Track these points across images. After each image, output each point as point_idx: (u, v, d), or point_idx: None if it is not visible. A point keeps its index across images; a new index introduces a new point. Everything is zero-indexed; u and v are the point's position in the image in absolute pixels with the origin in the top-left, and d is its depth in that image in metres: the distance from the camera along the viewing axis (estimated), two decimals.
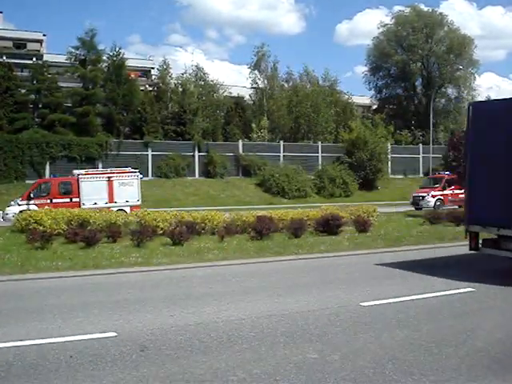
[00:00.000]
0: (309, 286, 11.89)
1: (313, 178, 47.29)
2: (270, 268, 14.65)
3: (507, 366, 6.61)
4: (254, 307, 9.64)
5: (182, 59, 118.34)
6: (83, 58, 48.94)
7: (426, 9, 67.83)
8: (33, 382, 6.16)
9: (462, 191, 31.71)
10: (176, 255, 15.66)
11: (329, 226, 20.38)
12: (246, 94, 59.97)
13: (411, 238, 19.62)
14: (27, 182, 38.48)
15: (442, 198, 35.64)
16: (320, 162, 50.57)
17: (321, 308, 9.55)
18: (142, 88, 53.46)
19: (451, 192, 35.35)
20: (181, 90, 52.59)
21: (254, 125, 52.84)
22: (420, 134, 60.37)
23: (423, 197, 35.97)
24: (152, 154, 45.69)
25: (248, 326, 8.35)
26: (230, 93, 58.44)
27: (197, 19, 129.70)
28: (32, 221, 18.88)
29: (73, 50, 49.21)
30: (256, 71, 58.04)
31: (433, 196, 35.57)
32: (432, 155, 46.76)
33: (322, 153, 51.59)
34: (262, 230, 18.94)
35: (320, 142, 52.55)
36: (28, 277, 12.96)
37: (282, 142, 51.34)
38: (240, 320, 8.74)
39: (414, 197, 36.87)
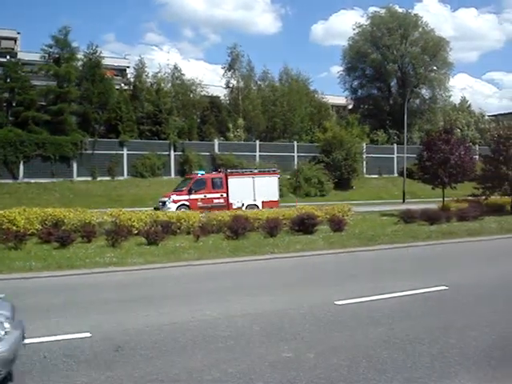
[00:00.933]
0: (284, 285, 11.94)
1: (288, 177, 47.37)
2: (246, 267, 14.68)
3: (479, 362, 6.71)
4: (229, 306, 9.65)
5: (158, 58, 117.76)
6: (57, 56, 48.38)
7: (400, 10, 68.38)
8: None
9: (218, 195, 32.27)
10: (151, 255, 15.60)
11: (304, 226, 20.47)
12: (222, 93, 59.85)
13: (385, 237, 19.78)
14: (0, 181, 38.02)
15: (187, 203, 31.19)
16: (296, 162, 50.67)
17: (296, 307, 9.59)
18: (117, 87, 53.03)
19: (202, 196, 31.91)
20: (156, 89, 52.30)
21: (230, 124, 52.76)
22: (395, 133, 60.84)
23: (164, 202, 31.65)
24: (127, 154, 45.37)
25: (223, 326, 8.36)
26: (207, 92, 58.27)
27: (173, 18, 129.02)
28: (5, 220, 18.64)
29: (47, 48, 48.66)
30: (230, 71, 57.96)
31: (174, 201, 31.24)
32: (406, 155, 47.16)
33: (297, 152, 51.69)
34: (237, 229, 18.96)
35: (296, 142, 52.67)
36: (1, 277, 12.79)
37: (257, 142, 51.36)
38: (215, 319, 8.74)
39: (159, 201, 32.55)
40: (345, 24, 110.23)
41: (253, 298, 10.37)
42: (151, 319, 8.79)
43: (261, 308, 9.51)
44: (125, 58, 67.64)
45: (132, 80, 55.90)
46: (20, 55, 57.91)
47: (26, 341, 7.23)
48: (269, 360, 6.77)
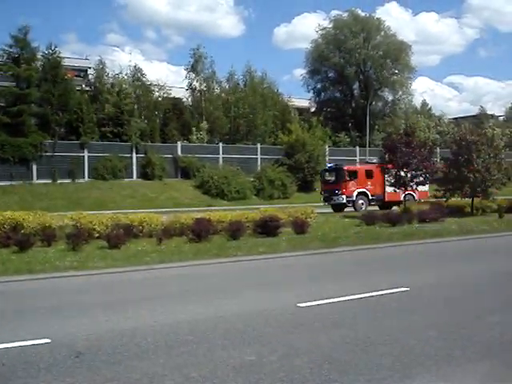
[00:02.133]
0: (246, 287, 11.94)
1: (252, 179, 47.48)
2: (209, 270, 14.65)
3: (439, 362, 6.79)
4: (191, 310, 9.59)
5: (120, 59, 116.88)
6: (17, 56, 47.58)
7: (363, 14, 69.17)
8: None
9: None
10: (112, 259, 15.44)
11: (267, 228, 20.50)
12: (184, 95, 59.64)
13: (348, 239, 19.96)
14: None
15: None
16: (259, 164, 50.79)
17: (258, 310, 9.59)
18: (78, 88, 52.38)
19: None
20: (117, 90, 51.80)
21: (193, 127, 52.57)
22: (357, 136, 61.50)
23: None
24: (88, 156, 44.86)
25: (185, 330, 8.30)
26: (169, 94, 57.96)
27: (134, 19, 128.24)
28: None
29: (6, 48, 47.80)
30: (193, 73, 57.78)
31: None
32: (368, 157, 47.68)
33: (261, 155, 51.82)
34: (200, 232, 18.90)
35: (259, 144, 52.79)
36: None
37: (220, 144, 51.33)
38: (177, 323, 8.68)
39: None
40: (307, 27, 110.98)
41: (215, 302, 10.33)
42: (112, 324, 8.68)
43: (223, 311, 9.47)
44: (86, 59, 66.88)
45: (93, 81, 55.30)
46: None
47: None
48: (231, 363, 6.73)
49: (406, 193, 32.44)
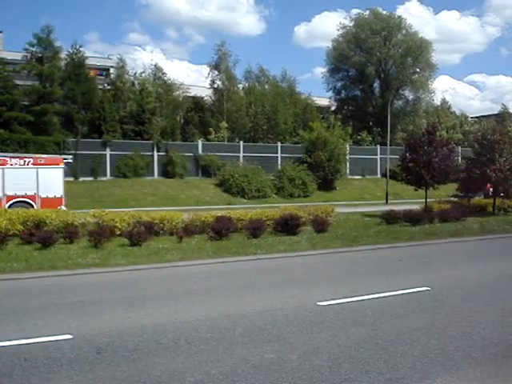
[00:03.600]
0: (267, 286, 11.95)
1: (272, 178, 47.42)
2: (229, 268, 14.67)
3: (460, 363, 6.76)
4: (211, 308, 9.63)
5: (142, 58, 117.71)
6: (40, 55, 48.06)
7: (384, 12, 68.72)
8: None
9: None
10: (134, 256, 15.52)
11: (288, 226, 20.48)
12: (205, 93, 59.77)
13: (369, 238, 19.87)
14: None
15: None
16: (279, 163, 50.73)
17: (278, 308, 9.61)
18: (100, 87, 52.76)
19: None
20: (139, 89, 52.08)
21: (212, 128, 52.65)
22: (378, 134, 61.16)
23: None
24: (110, 154, 45.14)
25: (206, 327, 8.34)
26: (190, 93, 58.16)
27: (156, 18, 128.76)
28: None
29: (29, 47, 48.30)
30: (215, 71, 57.91)
31: None
32: (389, 156, 47.40)
33: (281, 153, 51.72)
34: (220, 230, 18.94)
35: (279, 143, 52.73)
36: None
37: (241, 143, 51.34)
38: (198, 321, 8.72)
39: None
40: (328, 25, 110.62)
41: (235, 300, 10.37)
42: (133, 321, 8.75)
43: (244, 309, 9.50)
44: (108, 58, 67.28)
45: (114, 80, 55.64)
46: (2, 54, 57.47)
47: (6, 343, 7.20)
48: (251, 361, 6.76)
49: (15, 200, 26.09)
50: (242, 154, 49.88)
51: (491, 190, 30.11)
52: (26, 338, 7.67)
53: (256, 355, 7.00)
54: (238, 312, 9.27)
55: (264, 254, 16.43)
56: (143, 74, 54.76)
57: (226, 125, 53.20)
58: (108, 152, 45.11)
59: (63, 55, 49.21)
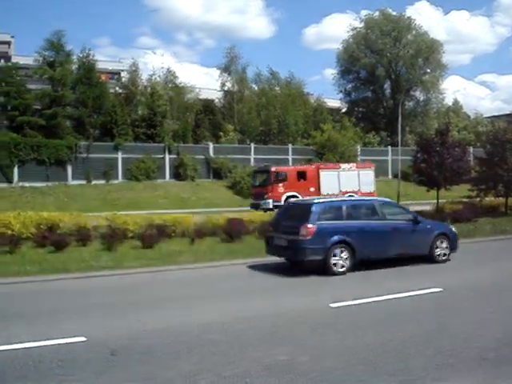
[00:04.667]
0: (279, 287, 11.96)
1: None
2: (240, 270, 14.69)
3: (471, 364, 6.74)
4: (223, 310, 9.66)
5: (152, 62, 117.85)
6: (52, 59, 48.35)
7: (394, 13, 68.54)
8: None
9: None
10: (146, 258, 15.60)
11: None
12: (216, 96, 59.91)
13: None
14: None
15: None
16: (290, 165, 50.70)
17: (290, 310, 9.62)
18: (112, 90, 53.01)
19: None
20: (151, 92, 52.28)
21: (221, 132, 52.72)
22: (387, 136, 61.00)
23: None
24: (122, 157, 45.31)
25: (218, 330, 8.38)
26: (200, 95, 58.32)
27: (166, 23, 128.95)
28: (0, 225, 18.59)
29: (41, 52, 48.61)
30: (226, 73, 58.05)
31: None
32: (401, 157, 47.23)
33: (292, 155, 51.73)
34: (232, 232, 18.98)
35: (290, 145, 52.73)
36: None
37: (252, 145, 51.38)
38: (210, 323, 8.76)
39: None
40: (337, 27, 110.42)
41: (247, 302, 10.40)
42: (145, 323, 8.79)
43: (255, 311, 9.53)
44: (119, 62, 67.59)
45: (126, 83, 55.89)
46: (14, 59, 57.90)
47: (20, 345, 7.27)
48: (264, 363, 6.78)
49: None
50: (252, 156, 49.92)
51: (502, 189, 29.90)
52: (40, 341, 7.73)
53: (268, 357, 7.02)
54: (250, 314, 9.30)
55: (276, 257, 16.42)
56: (154, 77, 54.96)
57: (233, 127, 53.26)
58: (120, 155, 45.27)
59: (74, 59, 49.48)
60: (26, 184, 40.80)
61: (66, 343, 7.68)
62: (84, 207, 30.34)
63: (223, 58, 58.21)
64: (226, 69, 57.97)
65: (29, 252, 16.60)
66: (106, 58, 67.40)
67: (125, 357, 7.11)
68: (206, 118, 53.90)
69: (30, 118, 45.72)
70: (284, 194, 32.51)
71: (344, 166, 36.22)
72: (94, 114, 47.73)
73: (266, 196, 32.48)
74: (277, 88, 60.58)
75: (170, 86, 55.67)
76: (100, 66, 52.83)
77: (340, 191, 33.40)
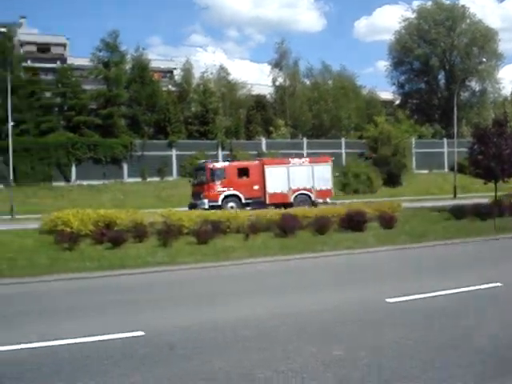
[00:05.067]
0: (334, 283, 11.91)
1: (337, 174, 47.06)
2: (296, 265, 14.70)
3: None
4: (280, 305, 9.66)
5: (203, 59, 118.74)
6: (107, 59, 49.34)
7: (447, 2, 67.20)
8: (63, 381, 6.25)
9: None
10: (201, 254, 15.76)
11: (354, 223, 20.32)
12: (267, 92, 59.95)
13: (436, 233, 19.50)
14: (54, 184, 38.92)
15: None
16: (343, 158, 50.35)
17: (346, 305, 9.56)
18: (164, 88, 53.75)
19: None
20: (203, 89, 52.74)
21: (272, 127, 52.67)
22: (442, 127, 59.84)
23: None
24: (176, 154, 45.94)
25: (274, 324, 8.39)
26: (252, 91, 58.49)
27: (216, 20, 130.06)
28: (60, 222, 19.11)
29: (96, 52, 49.69)
30: (277, 68, 58.02)
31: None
32: (456, 149, 46.28)
33: (345, 149, 51.37)
34: (286, 227, 18.98)
35: (343, 138, 52.35)
36: (56, 277, 13.12)
37: (304, 139, 51.25)
38: (267, 317, 8.77)
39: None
40: (388, 19, 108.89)
41: (303, 297, 10.37)
42: (203, 317, 8.87)
43: (311, 306, 9.49)
44: (171, 60, 68.43)
45: (179, 81, 56.53)
46: (70, 60, 59.35)
47: (81, 339, 7.45)
48: (320, 358, 6.75)
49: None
50: (305, 151, 49.78)
51: None
52: (100, 335, 7.91)
53: (325, 352, 6.98)
54: (306, 309, 9.27)
55: (330, 251, 16.40)
56: (206, 75, 55.41)
57: (285, 122, 53.15)
58: (174, 152, 45.89)
59: (128, 59, 50.34)
60: (84, 182, 41.85)
61: (126, 337, 7.82)
62: (139, 204, 30.85)
63: (274, 53, 58.29)
64: (277, 64, 57.97)
65: (87, 249, 17.01)
66: (158, 57, 68.20)
67: (184, 350, 7.20)
68: (258, 114, 54.06)
69: (86, 117, 46.88)
70: (222, 193, 29.99)
71: (295, 160, 33.06)
72: (148, 113, 48.53)
73: (201, 195, 30.06)
74: (329, 81, 60.13)
75: (222, 82, 56.01)
76: (153, 64, 53.54)
77: (290, 189, 31.29)
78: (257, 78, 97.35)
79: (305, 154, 48.99)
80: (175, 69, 65.09)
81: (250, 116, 54.28)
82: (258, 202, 29.77)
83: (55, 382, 6.20)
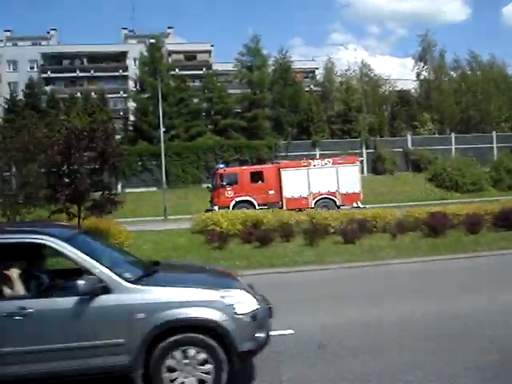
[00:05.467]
0: (488, 284, 11.33)
1: (488, 170, 44.82)
2: (446, 266, 14.16)
3: None
4: (429, 307, 9.36)
5: (345, 57, 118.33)
6: (249, 64, 50.66)
7: None
8: None
9: None
10: (348, 253, 15.66)
11: (509, 221, 19.18)
12: (411, 87, 58.45)
13: None
14: (203, 185, 40.46)
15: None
16: (495, 153, 47.85)
17: (501, 310, 9.04)
18: (307, 89, 54.17)
19: None
20: (345, 87, 52.51)
21: (421, 118, 51.23)
22: None
23: None
24: (320, 154, 46.08)
25: (425, 327, 8.16)
26: (395, 86, 57.32)
27: (357, 16, 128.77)
28: (210, 222, 19.86)
29: (239, 57, 51.18)
30: (421, 62, 56.40)
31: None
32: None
33: (497, 143, 48.81)
34: (435, 226, 18.33)
35: (495, 132, 49.75)
36: None
37: (453, 134, 49.34)
38: (416, 320, 8.55)
39: None
40: None
41: (452, 298, 9.99)
42: (350, 317, 8.83)
43: (461, 308, 9.09)
44: (313, 60, 68.81)
45: (321, 81, 56.75)
46: (214, 66, 61.60)
47: None
48: (470, 362, 6.47)
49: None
50: (453, 147, 47.96)
51: None
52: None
53: (476, 357, 6.68)
54: (455, 311, 8.88)
55: (484, 251, 15.63)
56: (348, 72, 55.17)
57: (430, 117, 51.50)
58: (317, 152, 46.06)
59: (270, 61, 51.41)
60: None
61: (277, 335, 7.94)
62: None
63: (417, 46, 56.73)
64: (421, 57, 56.44)
65: (236, 248, 17.50)
66: (300, 58, 68.76)
67: (332, 350, 7.21)
68: (402, 110, 52.89)
69: (232, 120, 48.51)
70: (233, 198, 28.58)
71: (316, 162, 31.32)
72: (291, 114, 49.14)
73: (213, 201, 29.00)
74: (478, 72, 57.45)
75: (364, 79, 55.49)
76: (295, 65, 54.21)
77: (310, 193, 29.69)
78: (399, 73, 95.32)
79: (453, 150, 47.29)
80: (317, 68, 65.40)
81: (394, 112, 53.23)
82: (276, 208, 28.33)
83: None
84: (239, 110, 50.83)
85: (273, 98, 49.73)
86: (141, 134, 48.16)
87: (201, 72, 60.89)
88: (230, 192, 28.91)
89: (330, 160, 30.99)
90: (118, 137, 37.96)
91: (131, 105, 56.55)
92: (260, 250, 16.80)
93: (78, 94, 56.71)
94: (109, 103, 56.89)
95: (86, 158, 18.00)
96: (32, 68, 68.28)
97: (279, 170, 30.23)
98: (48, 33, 76.38)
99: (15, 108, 49.23)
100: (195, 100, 52.13)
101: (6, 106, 51.96)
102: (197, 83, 58.14)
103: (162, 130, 40.85)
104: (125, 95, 63.42)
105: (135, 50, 62.09)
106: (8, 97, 53.61)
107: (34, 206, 18.30)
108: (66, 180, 18.05)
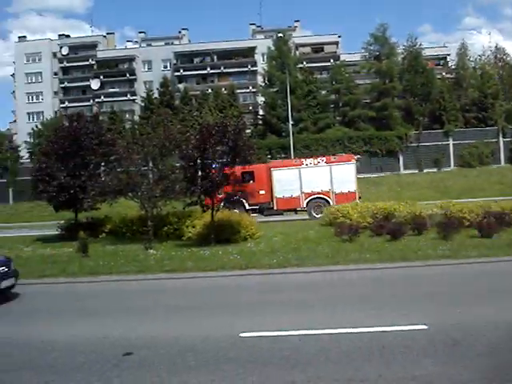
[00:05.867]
0: None
1: None
2: None
3: None
4: None
5: (478, 42, 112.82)
6: (377, 53, 49.77)
7: None
8: (351, 366, 6.43)
9: None
10: (485, 248, 14.92)
11: None
12: None
13: None
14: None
15: None
16: None
17: None
18: (438, 76, 52.33)
19: None
20: (480, 73, 50.16)
21: None
22: None
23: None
24: (453, 144, 44.48)
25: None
26: None
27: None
28: (340, 215, 19.78)
29: (367, 47, 50.39)
30: None
31: None
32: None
33: None
34: None
35: None
36: (339, 268, 13.55)
37: None
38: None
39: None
40: None
41: None
42: (488, 315, 8.44)
43: None
44: (444, 47, 66.34)
45: (453, 67, 54.64)
46: (342, 57, 61.11)
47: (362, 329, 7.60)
48: None
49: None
50: None
51: None
52: (381, 326, 7.99)
53: None
54: None
55: None
56: (483, 58, 52.67)
57: None
58: (450, 142, 44.55)
59: (399, 50, 50.29)
60: (360, 175, 42.70)
61: (409, 330, 7.80)
62: (415, 196, 30.54)
63: None
64: None
65: (367, 240, 17.31)
66: (429, 45, 66.51)
67: (467, 348, 6.94)
68: None
69: (361, 111, 47.94)
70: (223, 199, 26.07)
71: (308, 161, 29.43)
72: (422, 102, 47.77)
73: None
74: None
75: (500, 64, 52.76)
76: (424, 53, 52.62)
77: (302, 193, 28.39)
78: None
79: None
80: (448, 55, 62.92)
81: None
82: (267, 208, 28.72)
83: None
84: (368, 101, 50.06)
85: (403, 87, 48.51)
86: (270, 127, 48.80)
87: (328, 64, 60.59)
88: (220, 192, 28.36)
89: (324, 159, 29.88)
90: (247, 131, 38.91)
91: (260, 99, 57.43)
92: (391, 243, 16.49)
93: (209, 91, 58.35)
94: (238, 98, 58.05)
95: (219, 152, 18.62)
96: (165, 67, 71.18)
97: (270, 169, 29.55)
98: (179, 32, 79.16)
99: (151, 106, 51.80)
100: (323, 92, 52.00)
101: (143, 105, 54.78)
102: (324, 75, 57.99)
103: (291, 123, 41.12)
104: (254, 90, 64.47)
105: (263, 45, 62.88)
106: (144, 95, 56.36)
107: (170, 198, 19.26)
108: (201, 173, 18.79)
